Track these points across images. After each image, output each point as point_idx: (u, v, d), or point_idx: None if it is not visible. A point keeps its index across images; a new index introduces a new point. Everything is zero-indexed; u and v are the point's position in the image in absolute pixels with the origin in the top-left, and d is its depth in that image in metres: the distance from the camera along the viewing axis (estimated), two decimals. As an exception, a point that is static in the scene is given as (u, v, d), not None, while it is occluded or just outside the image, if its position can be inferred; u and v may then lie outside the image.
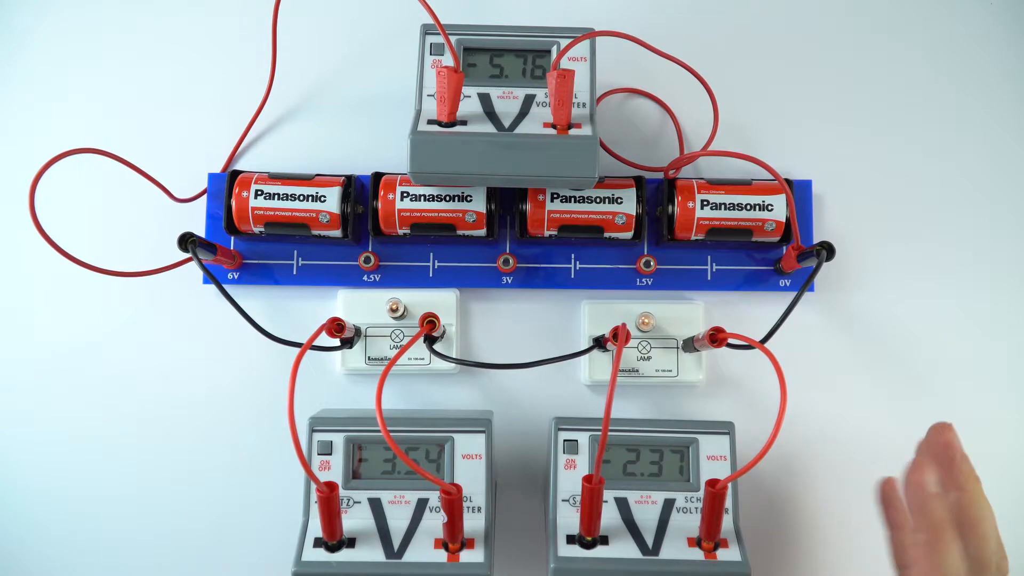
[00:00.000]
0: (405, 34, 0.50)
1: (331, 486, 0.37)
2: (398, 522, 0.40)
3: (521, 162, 0.40)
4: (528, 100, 0.44)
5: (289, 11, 0.50)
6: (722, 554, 0.39)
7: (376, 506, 0.40)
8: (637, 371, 0.48)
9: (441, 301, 0.48)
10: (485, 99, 0.44)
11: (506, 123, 0.42)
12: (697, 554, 0.39)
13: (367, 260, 0.48)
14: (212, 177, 0.50)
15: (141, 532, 0.48)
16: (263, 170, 0.48)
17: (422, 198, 0.45)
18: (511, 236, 0.49)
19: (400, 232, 0.46)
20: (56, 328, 0.49)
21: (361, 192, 0.48)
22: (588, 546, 0.39)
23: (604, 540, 0.39)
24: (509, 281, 0.49)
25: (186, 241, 0.42)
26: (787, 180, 0.46)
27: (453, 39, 0.44)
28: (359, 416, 0.41)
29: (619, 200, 0.45)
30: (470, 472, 0.41)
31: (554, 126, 0.41)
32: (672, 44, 0.47)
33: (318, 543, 0.39)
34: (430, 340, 0.46)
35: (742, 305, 0.49)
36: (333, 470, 0.41)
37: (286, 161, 0.51)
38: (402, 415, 0.44)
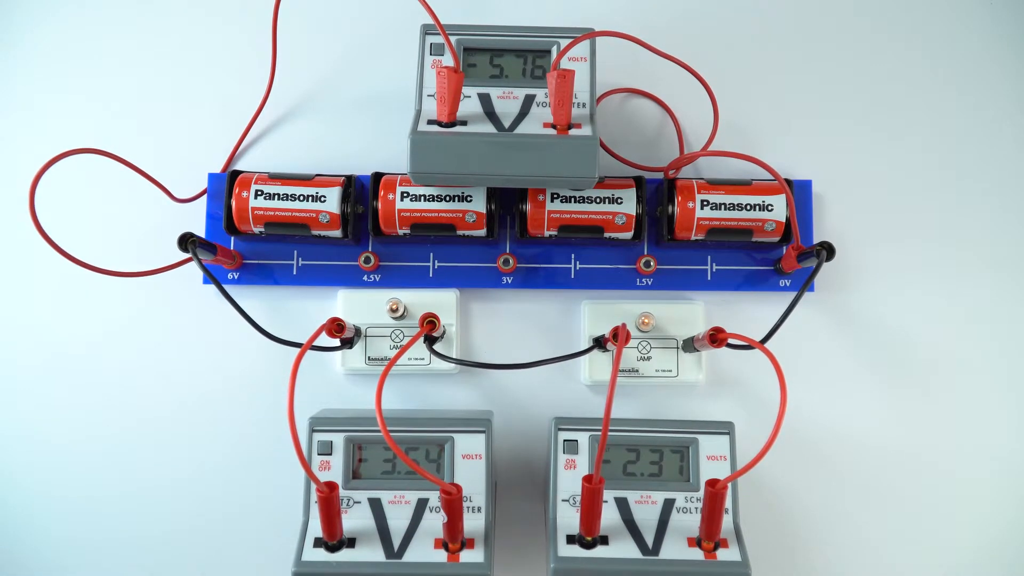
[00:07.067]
0: (405, 34, 0.50)
1: (331, 486, 0.37)
2: (398, 522, 0.40)
3: (521, 162, 0.40)
4: (528, 100, 0.44)
5: (289, 11, 0.50)
6: (722, 554, 0.39)
7: (376, 506, 0.40)
8: (637, 371, 0.48)
9: (441, 301, 0.48)
10: (485, 99, 0.43)
11: (506, 123, 0.42)
12: (697, 554, 0.39)
13: (367, 260, 0.48)
14: (212, 177, 0.50)
15: (141, 532, 0.48)
16: (263, 170, 0.48)
17: (422, 198, 0.45)
18: (511, 236, 0.49)
19: (400, 232, 0.46)
20: (56, 328, 0.49)
21: (361, 192, 0.48)
22: (588, 546, 0.39)
23: (604, 540, 0.39)
24: (509, 281, 0.49)
25: (186, 241, 0.42)
26: (787, 180, 0.46)
27: (453, 39, 0.44)
28: (359, 416, 0.41)
29: (619, 200, 0.45)
30: (470, 472, 0.40)
31: (554, 126, 0.41)
32: (672, 44, 0.47)
33: (318, 543, 0.39)
34: (430, 340, 0.46)
35: (742, 305, 0.49)
36: (333, 470, 0.41)
37: (286, 161, 0.51)
38: (402, 415, 0.44)
